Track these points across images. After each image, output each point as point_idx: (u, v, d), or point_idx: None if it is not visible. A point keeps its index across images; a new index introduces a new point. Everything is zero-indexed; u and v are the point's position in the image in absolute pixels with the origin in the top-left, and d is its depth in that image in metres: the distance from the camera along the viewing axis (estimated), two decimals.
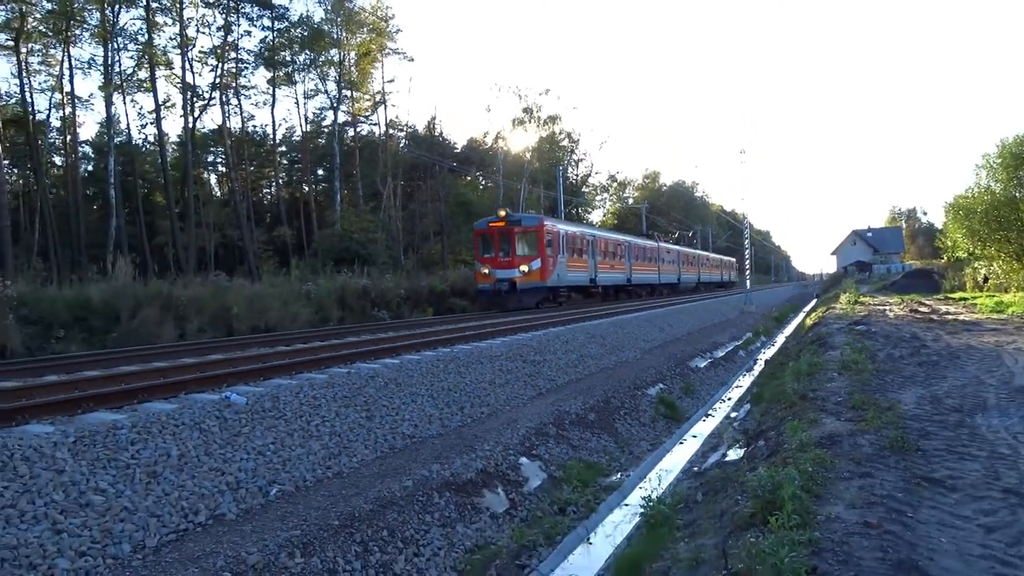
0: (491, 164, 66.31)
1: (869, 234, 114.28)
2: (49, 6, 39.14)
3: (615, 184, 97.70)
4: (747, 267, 48.84)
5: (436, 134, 65.37)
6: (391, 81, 64.09)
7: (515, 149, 66.25)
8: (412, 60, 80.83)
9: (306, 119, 53.46)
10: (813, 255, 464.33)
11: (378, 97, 54.73)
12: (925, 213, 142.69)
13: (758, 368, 21.07)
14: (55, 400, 8.05)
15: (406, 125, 62.55)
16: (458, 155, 65.29)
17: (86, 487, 6.22)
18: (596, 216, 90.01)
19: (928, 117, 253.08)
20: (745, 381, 19.02)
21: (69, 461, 6.44)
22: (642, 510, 7.88)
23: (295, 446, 8.27)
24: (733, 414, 14.23)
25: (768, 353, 24.92)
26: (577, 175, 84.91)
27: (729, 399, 16.57)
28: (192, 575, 5.37)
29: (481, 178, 68.81)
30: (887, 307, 28.50)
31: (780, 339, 30.22)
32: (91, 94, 46.97)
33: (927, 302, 30.94)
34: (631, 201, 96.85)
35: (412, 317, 28.74)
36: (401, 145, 59.35)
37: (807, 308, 47.69)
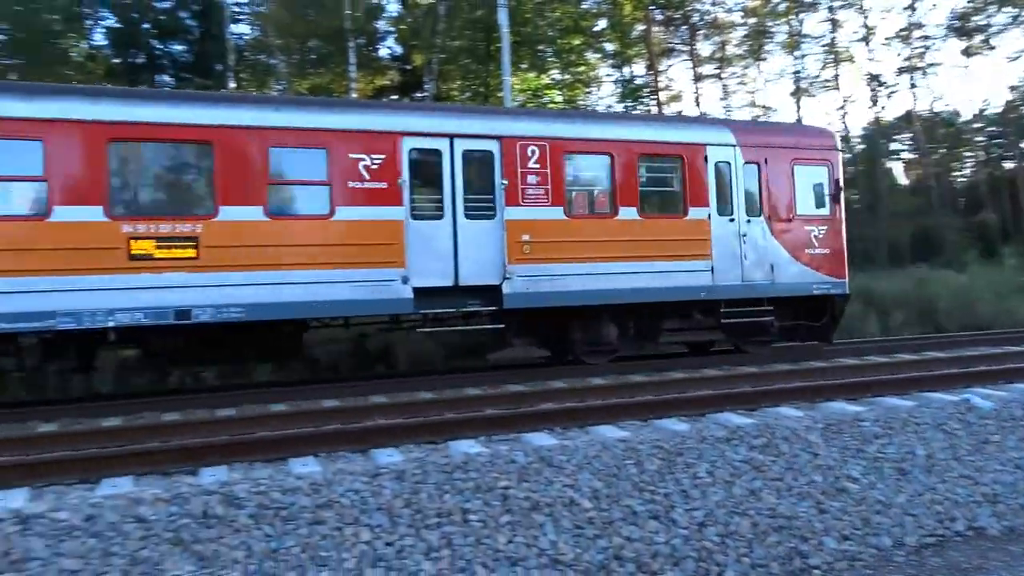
0: None
1: None
2: (744, 32, 43.71)
3: None
4: None
5: None
6: None
7: None
8: None
9: (1010, 88, 46.39)
10: None
11: None
12: None
13: None
14: (795, 387, 8.68)
15: None
16: None
17: (839, 474, 6.50)
18: None
19: None
20: None
21: (821, 446, 6.84)
22: None
23: None
24: None
25: None
26: None
27: None
28: None
29: None
30: None
31: None
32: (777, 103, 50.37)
33: None
34: None
35: None
36: None
37: None
